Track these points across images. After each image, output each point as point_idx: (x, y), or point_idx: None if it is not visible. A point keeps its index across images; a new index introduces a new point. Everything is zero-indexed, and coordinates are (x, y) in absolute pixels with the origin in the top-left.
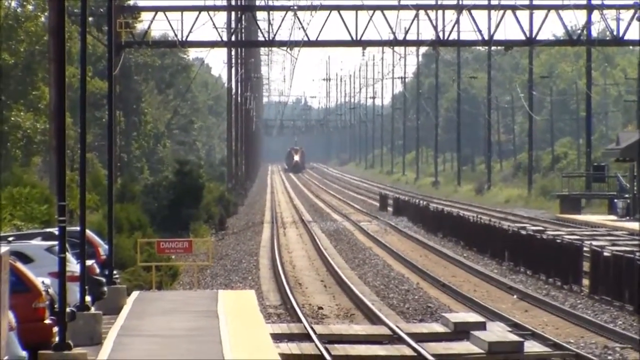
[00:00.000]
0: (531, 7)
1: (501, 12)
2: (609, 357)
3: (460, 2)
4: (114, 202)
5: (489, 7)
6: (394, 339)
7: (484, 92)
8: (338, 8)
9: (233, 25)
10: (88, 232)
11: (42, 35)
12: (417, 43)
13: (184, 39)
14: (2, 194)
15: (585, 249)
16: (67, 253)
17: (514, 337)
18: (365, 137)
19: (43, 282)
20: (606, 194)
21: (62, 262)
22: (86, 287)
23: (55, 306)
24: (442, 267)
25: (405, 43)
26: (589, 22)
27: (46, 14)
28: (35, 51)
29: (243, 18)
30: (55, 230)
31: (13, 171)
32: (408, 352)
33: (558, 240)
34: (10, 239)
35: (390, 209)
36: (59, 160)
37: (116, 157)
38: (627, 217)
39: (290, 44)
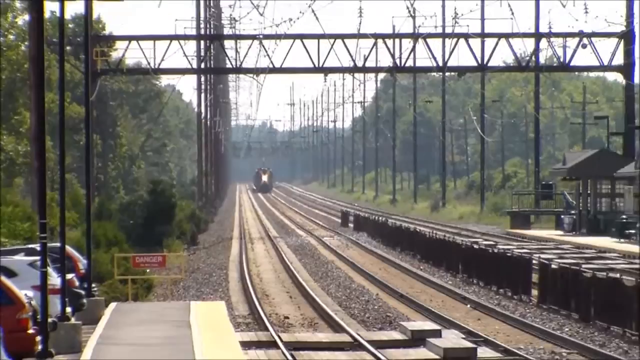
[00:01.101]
0: (482, 35)
1: (455, 40)
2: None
3: (416, 31)
4: (92, 220)
5: (443, 36)
6: (355, 345)
7: (439, 116)
8: (301, 37)
9: (202, 53)
10: (68, 248)
11: (23, 63)
12: (376, 70)
13: (156, 66)
14: None
15: (534, 261)
16: (48, 267)
17: (467, 344)
18: (327, 158)
19: (26, 295)
20: (553, 211)
21: (44, 276)
22: (66, 299)
23: (38, 317)
24: (400, 279)
25: (364, 70)
26: (537, 50)
27: (26, 43)
28: (17, 78)
29: (212, 47)
30: (37, 246)
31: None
32: (368, 358)
33: (508, 254)
34: None
35: (351, 225)
36: (39, 181)
37: (93, 178)
38: (573, 232)
39: (257, 71)
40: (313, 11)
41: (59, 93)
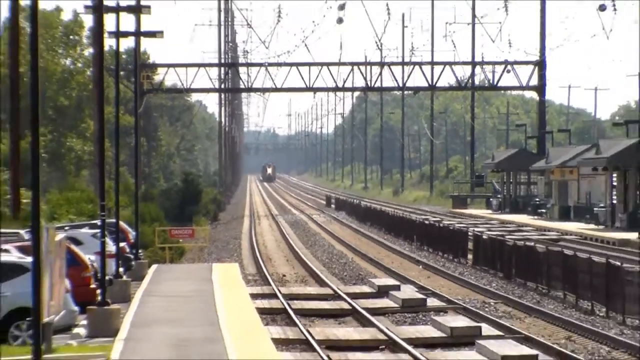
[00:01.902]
0: (432, 64)
1: (411, 67)
2: (486, 308)
3: (383, 60)
4: (139, 202)
5: (402, 64)
6: (336, 297)
7: (399, 124)
8: (296, 65)
9: (222, 77)
10: (121, 223)
11: (88, 85)
12: (352, 89)
13: (188, 86)
14: (61, 197)
15: (469, 233)
16: (106, 238)
17: (419, 295)
18: (315, 156)
19: (89, 258)
20: (484, 195)
21: (103, 245)
22: (120, 261)
23: (98, 275)
24: (369, 246)
25: (343, 89)
26: (472, 74)
27: (91, 69)
28: (83, 96)
29: (229, 72)
30: (97, 222)
31: (68, 181)
32: (346, 306)
33: (450, 227)
34: (66, 228)
35: (333, 206)
36: (100, 172)
37: (140, 170)
38: (499, 211)
39: (263, 90)
40: (305, 45)
41: (115, 107)
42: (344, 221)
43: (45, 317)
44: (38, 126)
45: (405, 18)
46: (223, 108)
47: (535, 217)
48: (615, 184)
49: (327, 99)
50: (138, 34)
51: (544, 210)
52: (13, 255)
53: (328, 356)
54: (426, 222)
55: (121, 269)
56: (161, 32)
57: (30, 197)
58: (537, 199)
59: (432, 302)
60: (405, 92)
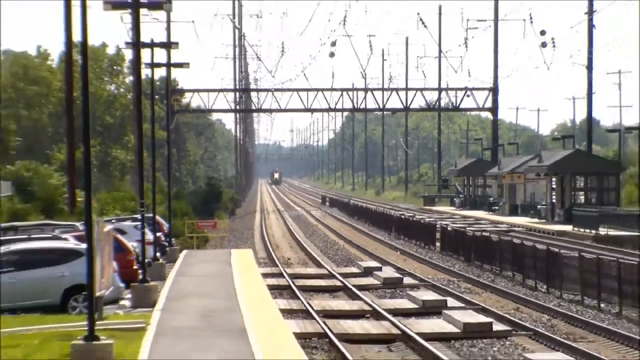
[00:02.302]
0: (406, 89)
1: (390, 92)
2: (450, 285)
3: (367, 87)
4: (171, 200)
5: (382, 89)
6: (330, 276)
7: (380, 138)
8: (297, 90)
9: (237, 100)
10: (157, 217)
11: (128, 106)
12: (342, 110)
13: (209, 107)
14: (108, 196)
15: (437, 226)
16: (145, 229)
17: (397, 275)
18: (313, 164)
19: (132, 245)
20: (449, 195)
21: (143, 234)
22: (156, 248)
23: (139, 258)
24: (357, 236)
25: (335, 110)
26: (439, 98)
27: (131, 93)
28: (125, 115)
29: (243, 96)
30: (138, 216)
31: (114, 184)
32: (338, 283)
33: (422, 221)
34: (113, 221)
35: (327, 203)
36: (139, 177)
37: (172, 175)
38: (461, 208)
39: (270, 111)
40: (304, 74)
41: (151, 124)
42: (337, 216)
43: (97, 292)
44: (89, 140)
45: (385, 52)
46: (238, 125)
47: (490, 212)
48: (554, 186)
49: (322, 118)
50: (169, 65)
51: (497, 207)
52: (71, 243)
53: (325, 322)
54: (402, 216)
55: (158, 254)
56: (187, 64)
57: (84, 196)
58: (491, 198)
59: (407, 280)
60: (385, 113)
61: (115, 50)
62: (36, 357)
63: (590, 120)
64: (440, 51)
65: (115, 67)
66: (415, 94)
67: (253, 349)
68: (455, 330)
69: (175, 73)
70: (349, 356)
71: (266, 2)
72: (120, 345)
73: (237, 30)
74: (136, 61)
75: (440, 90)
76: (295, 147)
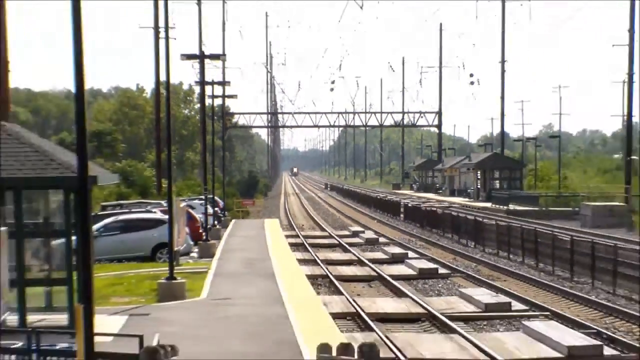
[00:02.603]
0: (381, 112)
1: (370, 114)
2: (410, 243)
3: (355, 111)
4: (225, 186)
5: (365, 112)
6: (330, 237)
7: (363, 145)
8: (308, 113)
9: (269, 119)
10: (215, 197)
11: (197, 124)
12: (338, 126)
13: (251, 124)
14: (183, 184)
15: (401, 203)
16: (208, 205)
17: (375, 236)
18: (320, 162)
19: (199, 216)
20: (410, 183)
21: (206, 209)
22: (214, 218)
23: (203, 225)
24: (348, 210)
25: (333, 126)
26: (402, 118)
27: (198, 115)
28: (195, 129)
29: (272, 117)
30: (202, 197)
31: (187, 176)
32: (335, 242)
33: (391, 200)
34: (186, 200)
35: (328, 189)
36: (203, 171)
37: (225, 169)
38: (418, 191)
39: (291, 127)
40: (313, 102)
41: (212, 136)
42: (334, 197)
43: (175, 247)
44: (170, 146)
45: (367, 88)
46: (269, 136)
47: (436, 194)
48: (479, 177)
49: (325, 132)
50: (223, 97)
51: (441, 191)
52: (158, 214)
53: (326, 268)
54: (378, 197)
55: (215, 222)
56: (236, 95)
57: (167, 184)
58: (437, 185)
59: (382, 239)
60: (367, 128)
61: (188, 87)
62: (135, 291)
63: (503, 133)
64: (403, 87)
65: (188, 98)
66: (387, 116)
67: (279, 286)
68: (414, 273)
69: (228, 101)
70: (342, 289)
71: (288, 54)
72: (190, 282)
73: (268, 74)
74: (202, 94)
75: (403, 113)
76: (307, 151)
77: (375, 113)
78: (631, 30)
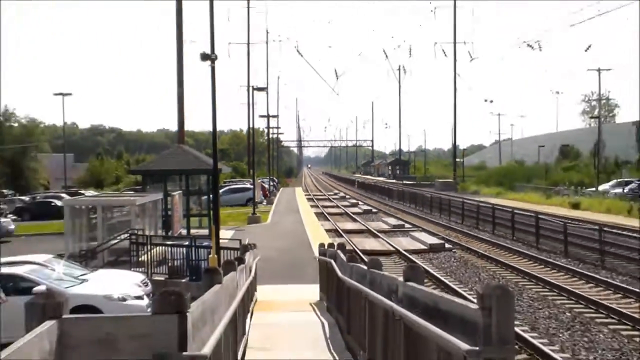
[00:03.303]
0: (346, 140)
1: (355, 142)
2: (360, 199)
3: (341, 139)
4: (278, 173)
5: (346, 140)
6: (337, 207)
7: (347, 157)
8: (317, 140)
9: (298, 141)
10: (273, 177)
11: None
12: (332, 147)
13: (289, 144)
14: (259, 173)
15: (355, 180)
16: (270, 181)
17: (343, 195)
18: (321, 162)
19: (265, 186)
20: (360, 171)
21: (269, 183)
22: (272, 187)
23: (268, 190)
24: (342, 188)
25: (331, 147)
26: (356, 144)
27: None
28: (264, 148)
29: (300, 141)
30: (267, 178)
31: (261, 169)
32: (326, 196)
33: (350, 178)
34: (261, 180)
35: (327, 176)
36: (268, 166)
37: (278, 166)
38: (363, 175)
39: (309, 146)
40: (324, 130)
41: (268, 151)
42: (333, 180)
43: (256, 200)
44: (253, 156)
45: (354, 124)
46: (297, 150)
47: (371, 176)
48: (389, 168)
49: (328, 149)
50: (269, 127)
51: (373, 175)
52: (248, 185)
53: (322, 208)
54: (344, 177)
55: (273, 189)
56: (280, 127)
57: (251, 173)
58: (372, 172)
59: (347, 196)
60: (349, 148)
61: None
62: (237, 219)
63: (400, 150)
64: (373, 122)
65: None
66: (352, 142)
67: (301, 217)
68: (360, 211)
69: (273, 122)
70: (329, 218)
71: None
72: (262, 215)
73: (298, 115)
74: (248, 121)
75: (357, 141)
76: (314, 157)
77: (344, 141)
78: None
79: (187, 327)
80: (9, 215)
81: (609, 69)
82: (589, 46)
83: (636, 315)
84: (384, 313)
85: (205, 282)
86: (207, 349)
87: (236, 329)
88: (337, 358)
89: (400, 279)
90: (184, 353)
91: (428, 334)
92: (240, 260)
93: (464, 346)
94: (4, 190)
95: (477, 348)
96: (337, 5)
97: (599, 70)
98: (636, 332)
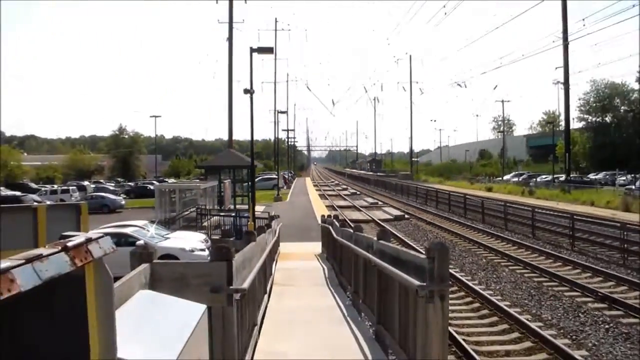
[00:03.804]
0: (338, 146)
1: (344, 148)
2: (349, 185)
3: (335, 145)
4: (293, 168)
5: (338, 146)
6: (333, 190)
7: (339, 155)
8: (320, 146)
9: (307, 146)
10: (291, 171)
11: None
12: (329, 150)
13: (301, 148)
14: (281, 168)
15: (346, 172)
16: (289, 173)
17: (337, 182)
18: (324, 160)
19: (285, 177)
20: (351, 167)
21: (288, 174)
22: (291, 177)
23: (287, 180)
24: (339, 179)
25: (332, 150)
26: (346, 148)
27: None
28: (285, 151)
29: (309, 146)
30: (287, 171)
31: (283, 165)
32: (335, 193)
33: (355, 174)
34: (283, 172)
35: (330, 171)
36: (287, 164)
37: (293, 163)
38: (352, 169)
39: (315, 150)
40: (325, 138)
41: (287, 154)
42: (331, 173)
43: (279, 186)
44: (278, 157)
45: (344, 135)
46: (307, 152)
47: (356, 170)
48: (369, 164)
49: (327, 152)
50: (288, 137)
51: (357, 168)
52: (274, 176)
53: (324, 191)
54: (338, 170)
55: (290, 178)
56: (295, 137)
57: (276, 169)
58: (357, 167)
59: (338, 183)
60: (342, 151)
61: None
62: (266, 198)
63: (375, 152)
64: (357, 139)
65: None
66: (344, 147)
67: (310, 197)
68: (349, 194)
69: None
70: (328, 198)
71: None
72: (283, 196)
73: (307, 129)
74: (275, 136)
75: (347, 147)
76: (318, 157)
77: (339, 146)
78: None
79: (232, 270)
80: (121, 195)
81: (509, 101)
82: (496, 86)
83: (527, 260)
84: (364, 261)
85: (244, 240)
86: (245, 284)
87: (265, 272)
88: (332, 290)
89: (375, 238)
90: (231, 287)
91: (393, 275)
92: (268, 226)
93: (416, 282)
94: (119, 179)
95: (425, 283)
96: (335, 51)
97: (502, 101)
98: (526, 271)
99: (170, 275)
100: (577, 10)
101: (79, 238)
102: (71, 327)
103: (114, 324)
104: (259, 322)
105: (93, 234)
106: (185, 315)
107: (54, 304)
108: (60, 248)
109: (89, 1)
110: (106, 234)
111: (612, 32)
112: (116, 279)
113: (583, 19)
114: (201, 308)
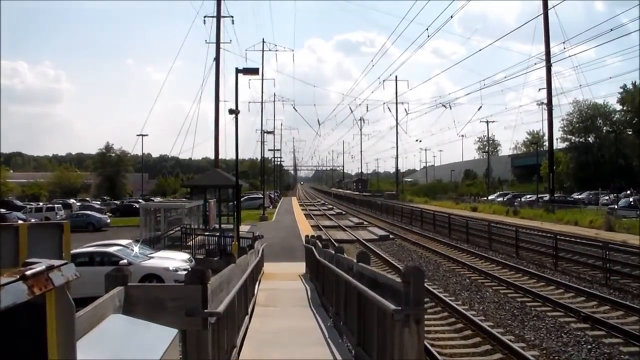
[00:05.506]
0: (325, 166)
1: (332, 167)
2: (335, 204)
3: (325, 168)
4: (280, 188)
5: (324, 166)
6: (319, 210)
7: (329, 179)
8: (312, 165)
9: (294, 165)
10: (277, 191)
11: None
12: (316, 170)
13: (287, 168)
14: (268, 187)
15: (332, 192)
16: (274, 193)
17: (323, 202)
18: (310, 180)
19: (271, 197)
20: (337, 187)
21: (273, 195)
22: (277, 197)
23: (273, 199)
24: (326, 198)
25: (319, 170)
26: (332, 168)
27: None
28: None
29: (295, 166)
30: (273, 192)
31: (269, 184)
32: (312, 203)
33: (328, 191)
34: (269, 193)
35: (317, 191)
36: (275, 184)
37: (280, 183)
38: (338, 189)
39: (302, 170)
40: (311, 158)
41: (274, 174)
42: (317, 193)
43: (265, 205)
44: (264, 176)
45: (331, 155)
46: (294, 172)
47: (342, 190)
48: (355, 185)
49: (314, 171)
50: (274, 157)
51: (343, 188)
52: (260, 196)
53: (309, 211)
54: (325, 190)
55: (276, 198)
56: (281, 157)
57: (262, 189)
58: (342, 187)
59: (325, 202)
60: (328, 171)
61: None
62: (252, 218)
63: (361, 173)
64: (343, 153)
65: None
66: (334, 169)
67: (295, 216)
68: (334, 213)
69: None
70: (313, 217)
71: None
72: (269, 215)
73: (294, 148)
74: (262, 159)
75: (333, 166)
76: (310, 176)
77: (325, 166)
78: None
79: (207, 293)
80: (107, 213)
81: (494, 121)
82: (480, 107)
83: (510, 280)
84: (344, 283)
85: (224, 262)
86: (221, 307)
87: (247, 293)
88: (315, 311)
89: (355, 260)
90: (205, 310)
91: (371, 298)
92: (251, 247)
93: (392, 306)
94: (105, 197)
95: (400, 307)
96: (320, 74)
97: (487, 122)
98: (509, 291)
99: (145, 298)
100: (559, 34)
101: (39, 266)
102: (30, 356)
103: (75, 352)
104: (238, 344)
105: (56, 261)
106: (155, 340)
107: (14, 331)
108: (18, 277)
109: (79, 16)
110: (89, 253)
111: (593, 54)
112: (96, 299)
113: (563, 42)
114: (172, 332)
